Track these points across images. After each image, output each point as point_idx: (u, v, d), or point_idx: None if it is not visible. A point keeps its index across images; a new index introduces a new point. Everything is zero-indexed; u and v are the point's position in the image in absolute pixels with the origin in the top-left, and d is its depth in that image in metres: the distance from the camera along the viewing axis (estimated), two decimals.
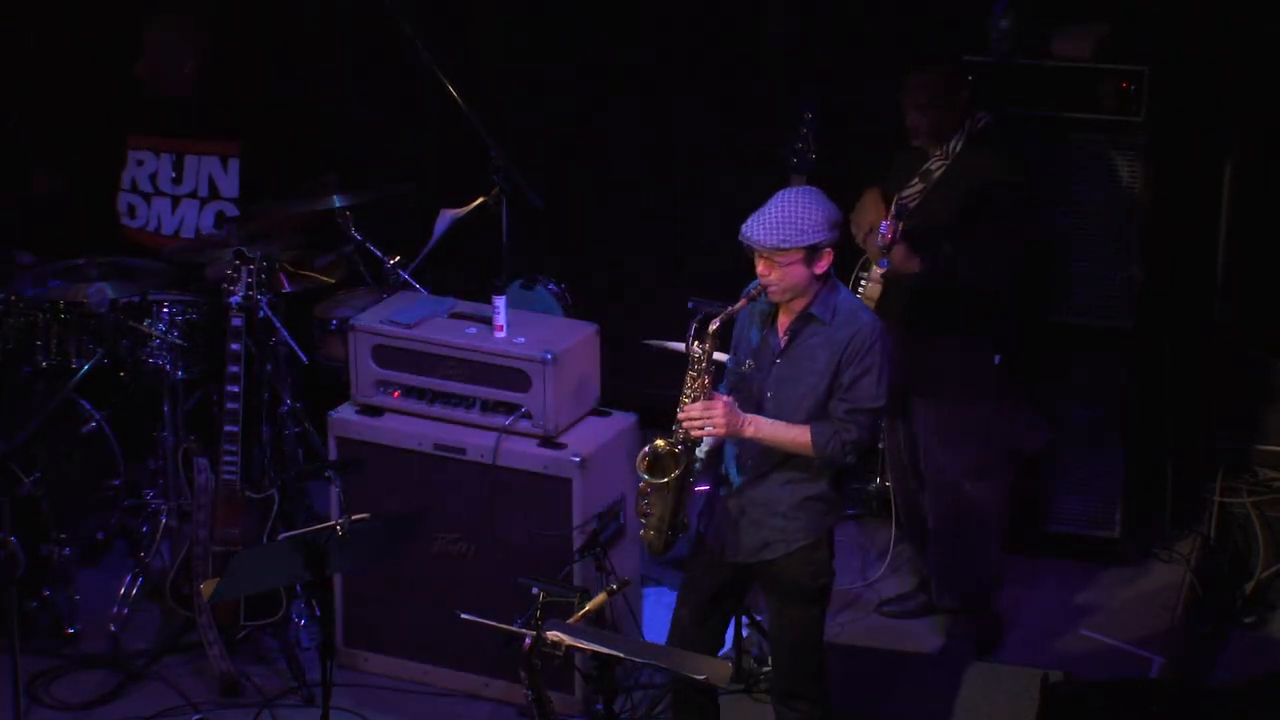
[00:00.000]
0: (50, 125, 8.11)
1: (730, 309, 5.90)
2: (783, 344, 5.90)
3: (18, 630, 6.45)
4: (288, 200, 7.40)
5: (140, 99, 7.86)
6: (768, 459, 5.91)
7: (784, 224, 5.76)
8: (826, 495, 5.93)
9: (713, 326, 5.87)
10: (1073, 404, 7.41)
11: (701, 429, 5.88)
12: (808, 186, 5.96)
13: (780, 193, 5.89)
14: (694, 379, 5.90)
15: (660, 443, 5.97)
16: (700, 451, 5.98)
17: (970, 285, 6.64)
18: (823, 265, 5.81)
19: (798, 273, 5.79)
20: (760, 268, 5.82)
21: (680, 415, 5.93)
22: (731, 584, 6.09)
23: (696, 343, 5.91)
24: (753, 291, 5.86)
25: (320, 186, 7.41)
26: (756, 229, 5.79)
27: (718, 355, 6.01)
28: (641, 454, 5.98)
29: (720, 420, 5.84)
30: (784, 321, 5.91)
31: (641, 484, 6.00)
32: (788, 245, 5.74)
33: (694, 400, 5.90)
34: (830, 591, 6.11)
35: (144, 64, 7.76)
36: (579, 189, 8.04)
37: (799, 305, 5.87)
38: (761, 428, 5.88)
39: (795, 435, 5.85)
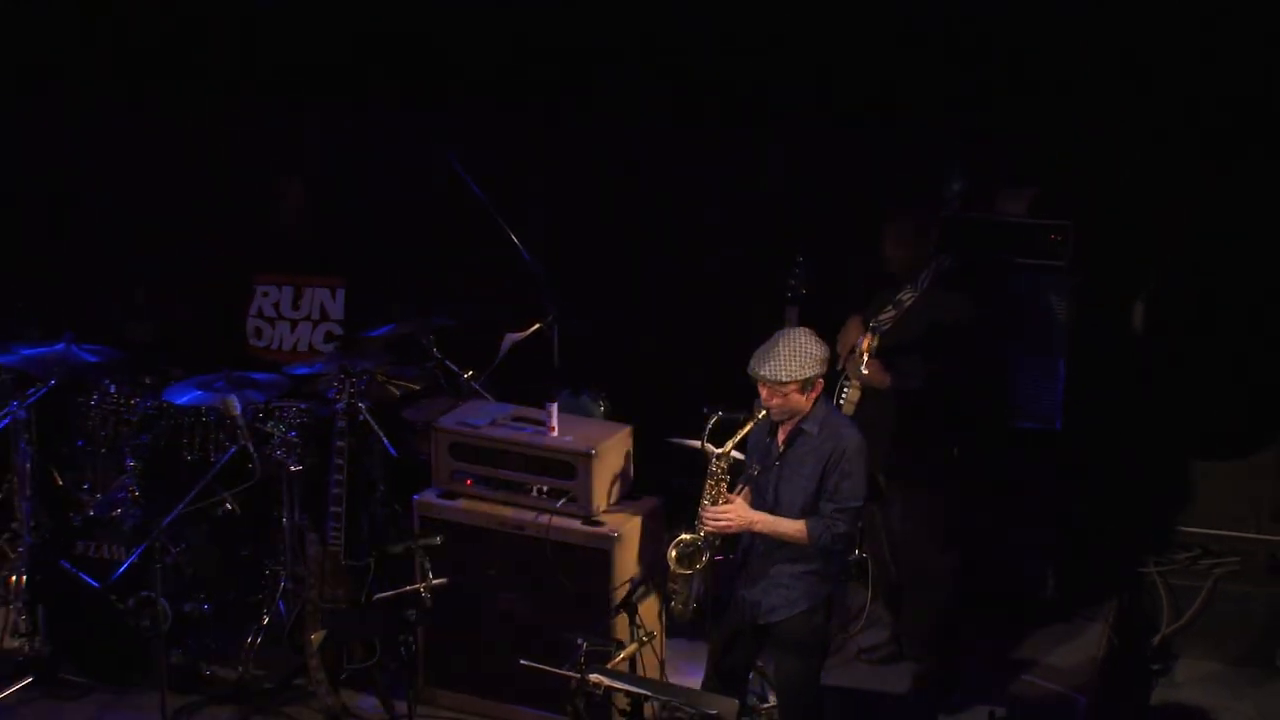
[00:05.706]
0: (183, 264, 8.47)
1: (742, 418, 6.32)
2: (780, 450, 6.40)
3: (166, 672, 7.02)
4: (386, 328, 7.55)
5: (264, 243, 8.27)
6: (773, 542, 6.43)
7: (787, 360, 6.21)
8: (821, 570, 6.44)
9: (720, 450, 6.31)
10: (1015, 491, 7.82)
11: (719, 526, 6.37)
12: (803, 328, 6.34)
13: (781, 333, 6.30)
14: (712, 486, 6.41)
15: (686, 536, 6.43)
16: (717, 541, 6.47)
17: (933, 395, 7.06)
18: (815, 391, 6.30)
19: (796, 399, 6.30)
20: (764, 394, 6.29)
21: (702, 513, 6.40)
22: (750, 638, 6.58)
23: (714, 459, 6.30)
24: (759, 413, 6.33)
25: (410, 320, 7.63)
26: (764, 365, 6.21)
27: (735, 454, 6.48)
28: (671, 547, 6.40)
29: (734, 520, 6.37)
30: (783, 432, 6.41)
31: (672, 571, 6.46)
32: (789, 379, 6.23)
33: (713, 502, 6.39)
34: (826, 648, 6.60)
35: (278, 213, 8.06)
36: (617, 316, 8.45)
37: (794, 420, 6.37)
38: (767, 523, 6.36)
39: (796, 530, 6.34)
